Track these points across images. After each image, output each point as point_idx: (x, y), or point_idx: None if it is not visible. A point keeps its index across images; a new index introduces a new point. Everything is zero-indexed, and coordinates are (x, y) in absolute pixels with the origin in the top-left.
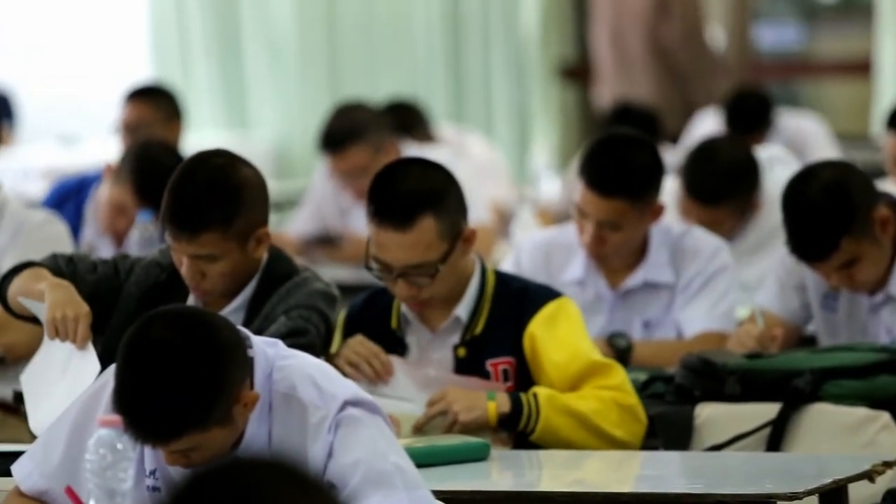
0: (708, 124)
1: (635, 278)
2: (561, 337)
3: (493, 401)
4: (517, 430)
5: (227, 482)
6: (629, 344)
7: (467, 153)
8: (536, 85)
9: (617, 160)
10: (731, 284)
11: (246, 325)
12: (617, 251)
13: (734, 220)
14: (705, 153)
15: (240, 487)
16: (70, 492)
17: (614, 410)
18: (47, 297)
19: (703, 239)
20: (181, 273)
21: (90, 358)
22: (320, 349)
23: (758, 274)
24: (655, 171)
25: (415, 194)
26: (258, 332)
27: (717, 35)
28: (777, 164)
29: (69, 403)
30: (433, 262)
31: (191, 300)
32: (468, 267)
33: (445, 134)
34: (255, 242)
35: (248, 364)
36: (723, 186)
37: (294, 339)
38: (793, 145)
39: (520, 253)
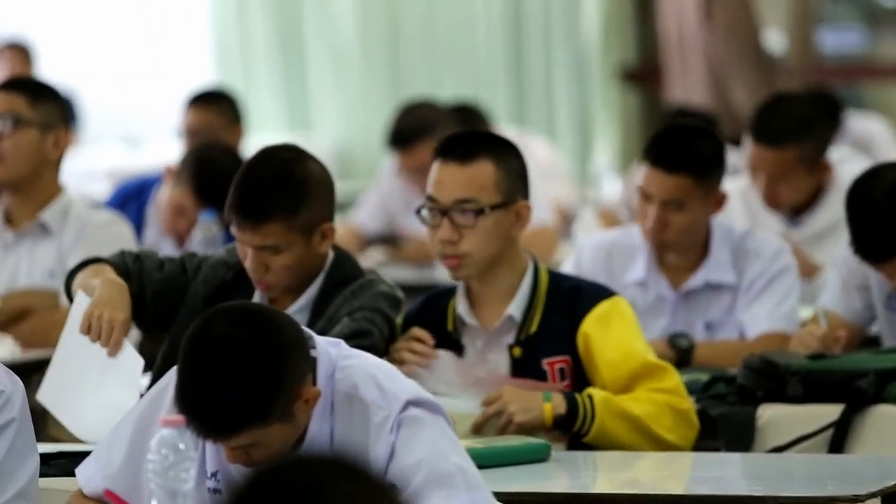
0: None
1: (697, 279)
2: (615, 336)
3: (549, 402)
4: (572, 431)
5: (289, 479)
6: (691, 344)
7: (529, 155)
8: (598, 88)
9: (682, 140)
10: (793, 285)
11: (310, 325)
12: (679, 238)
13: (801, 177)
14: (774, 99)
15: (302, 484)
16: (111, 495)
17: (667, 414)
18: (96, 292)
19: (765, 240)
20: (245, 266)
21: (129, 356)
22: (383, 351)
23: (822, 260)
24: (718, 156)
25: (482, 138)
26: (322, 333)
27: (772, 39)
28: (848, 163)
29: (116, 403)
30: (482, 203)
31: (256, 298)
32: (520, 263)
33: (508, 136)
34: (320, 237)
35: (311, 361)
36: (789, 126)
37: (357, 340)
38: (859, 147)
39: (581, 254)
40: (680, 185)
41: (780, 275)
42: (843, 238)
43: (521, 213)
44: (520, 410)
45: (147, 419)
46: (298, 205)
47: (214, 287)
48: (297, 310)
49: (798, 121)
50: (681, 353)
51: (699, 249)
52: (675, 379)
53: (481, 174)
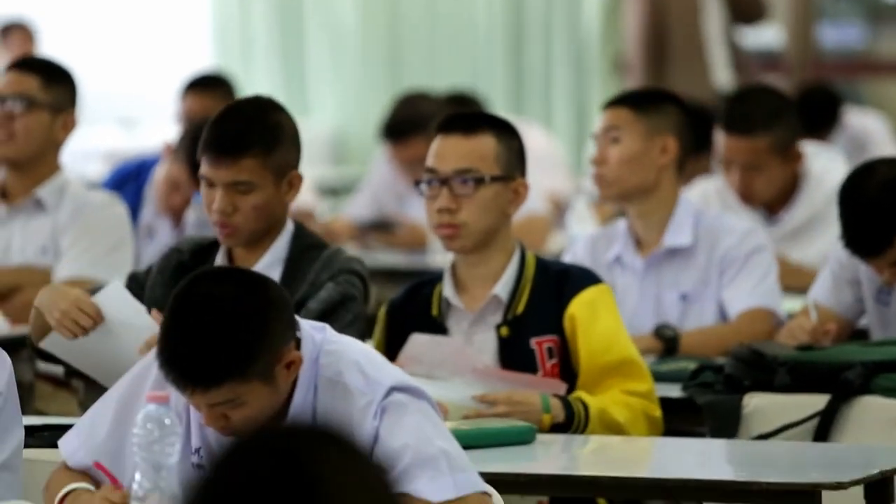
0: None
1: (660, 246)
2: (601, 324)
3: (548, 413)
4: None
5: (272, 447)
6: (676, 334)
7: (526, 143)
8: (596, 78)
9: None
10: (771, 263)
11: (283, 285)
12: (616, 173)
13: (774, 167)
14: (740, 93)
15: (285, 453)
16: (100, 467)
17: (642, 422)
18: (37, 308)
19: (737, 220)
20: (212, 211)
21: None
22: (365, 313)
23: (800, 257)
24: (671, 104)
25: (483, 116)
26: (305, 298)
27: (772, 34)
28: (820, 156)
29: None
30: (483, 172)
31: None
32: (509, 246)
33: None
34: (288, 185)
35: (294, 328)
36: (758, 114)
37: (346, 305)
38: (855, 143)
39: (574, 246)
40: (617, 115)
41: (756, 252)
42: (820, 234)
43: (518, 191)
44: (518, 415)
45: (132, 394)
46: (275, 143)
47: (171, 270)
48: (265, 267)
49: (767, 109)
50: (667, 343)
51: (666, 220)
52: (649, 383)
53: (483, 146)
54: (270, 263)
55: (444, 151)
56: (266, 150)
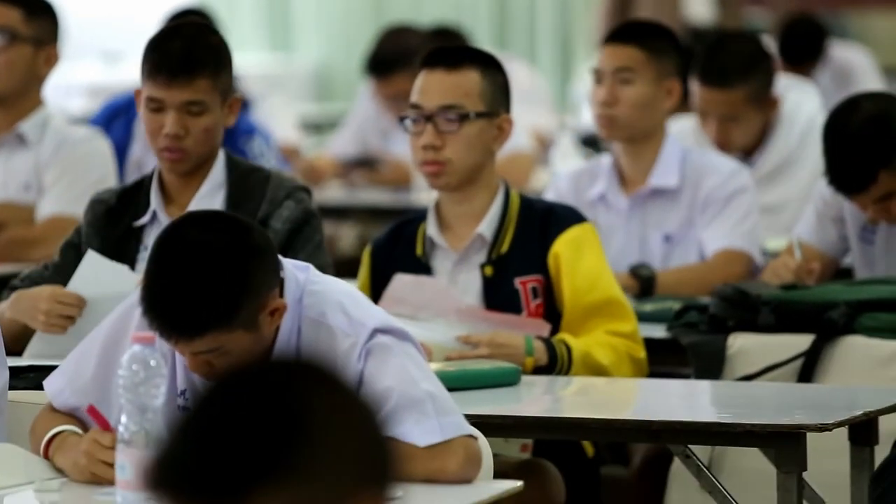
0: None
1: (645, 185)
2: (585, 263)
3: (531, 356)
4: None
5: (259, 382)
6: (652, 273)
7: (510, 79)
8: (580, 13)
9: (635, 24)
10: (752, 205)
11: (232, 207)
12: (629, 114)
13: (751, 117)
14: (715, 43)
15: (272, 387)
16: (93, 410)
17: (626, 364)
18: (12, 319)
19: (722, 160)
20: (161, 136)
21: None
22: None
23: (777, 198)
24: (672, 46)
25: (468, 50)
26: (267, 216)
27: None
28: (792, 90)
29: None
30: (467, 107)
31: (154, 203)
32: (493, 183)
33: None
34: (229, 108)
35: (278, 273)
36: (734, 65)
37: (311, 222)
38: (840, 76)
39: (557, 183)
40: (629, 55)
41: (739, 193)
42: (795, 175)
43: (502, 127)
44: (501, 358)
45: (117, 334)
46: (221, 64)
47: (102, 219)
48: (205, 194)
49: (743, 58)
50: (643, 283)
51: (653, 159)
52: (633, 324)
53: (467, 81)
54: (210, 190)
55: (429, 87)
56: (216, 71)
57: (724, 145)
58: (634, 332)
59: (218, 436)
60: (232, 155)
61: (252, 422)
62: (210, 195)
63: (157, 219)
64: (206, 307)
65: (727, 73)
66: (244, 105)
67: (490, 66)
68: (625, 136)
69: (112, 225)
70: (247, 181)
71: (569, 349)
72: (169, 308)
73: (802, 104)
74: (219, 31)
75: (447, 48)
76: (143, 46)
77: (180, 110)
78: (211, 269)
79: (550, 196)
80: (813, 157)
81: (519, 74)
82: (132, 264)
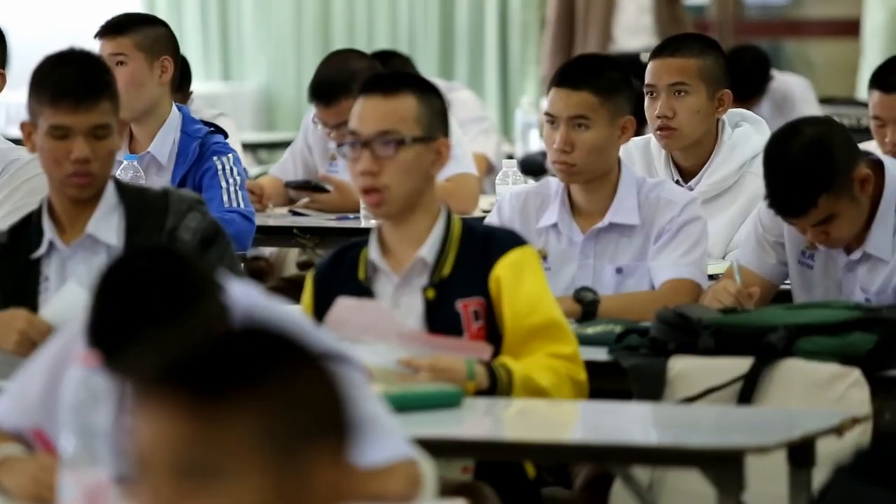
0: None
1: (603, 221)
2: (526, 287)
3: (472, 380)
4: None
5: (225, 353)
6: (595, 298)
7: (456, 107)
8: (522, 41)
9: (586, 63)
10: (702, 235)
11: (132, 227)
12: (587, 159)
13: (701, 94)
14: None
15: (238, 357)
16: (38, 434)
17: (567, 386)
18: None
19: (676, 191)
20: (69, 162)
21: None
22: None
23: (720, 224)
24: (624, 82)
25: (405, 76)
26: (174, 229)
27: None
28: (745, 122)
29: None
30: (403, 133)
31: (48, 235)
32: (434, 208)
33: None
34: (121, 127)
35: (224, 306)
36: (692, 40)
37: (221, 232)
38: (780, 104)
39: (501, 204)
40: (584, 101)
41: (689, 224)
42: (726, 207)
43: (440, 151)
44: (442, 381)
45: (64, 356)
46: (114, 86)
47: None
48: (101, 217)
49: (699, 39)
50: (586, 307)
51: (609, 193)
52: (574, 345)
53: (403, 107)
54: (105, 213)
55: (365, 113)
56: (113, 94)
57: (667, 133)
58: (575, 354)
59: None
60: (116, 178)
61: (240, 336)
62: (105, 217)
63: (54, 248)
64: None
65: (683, 43)
66: (221, 132)
67: (427, 91)
68: (583, 181)
69: (8, 262)
70: (142, 198)
71: (509, 373)
72: (112, 344)
73: (751, 137)
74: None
75: (384, 74)
76: (31, 77)
77: (87, 135)
78: (154, 305)
79: (493, 219)
80: (752, 187)
81: (465, 103)
82: (34, 297)
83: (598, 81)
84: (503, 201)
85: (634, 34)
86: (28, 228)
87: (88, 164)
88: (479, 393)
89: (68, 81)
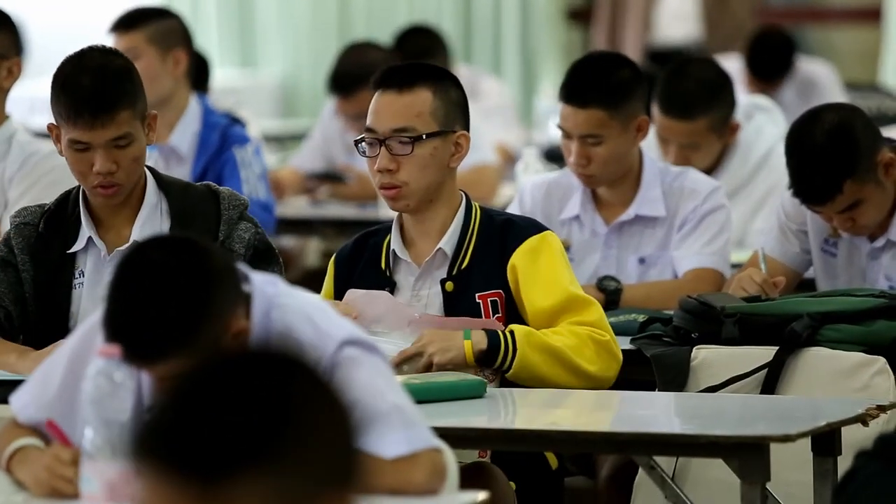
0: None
1: (628, 213)
2: (542, 270)
3: (468, 339)
4: (494, 368)
5: (250, 368)
6: (618, 287)
7: (479, 94)
8: (544, 27)
9: (591, 73)
10: (726, 224)
11: (181, 226)
12: (604, 170)
13: (712, 143)
14: (677, 70)
15: (263, 375)
16: (51, 425)
17: (589, 346)
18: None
19: (700, 179)
20: (91, 174)
21: None
22: None
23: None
24: (634, 83)
25: (421, 67)
26: (226, 240)
27: None
28: (758, 112)
29: None
30: (419, 131)
31: (85, 231)
32: (455, 199)
33: (461, 73)
34: (148, 128)
35: (241, 293)
36: (697, 98)
37: (271, 252)
38: (804, 90)
39: (523, 194)
40: (593, 118)
41: (713, 213)
42: (744, 201)
43: (459, 144)
44: (439, 351)
45: (83, 349)
46: (136, 92)
47: (31, 245)
48: (148, 215)
49: (706, 88)
50: (609, 296)
51: (632, 184)
52: (598, 312)
53: (418, 102)
54: (149, 214)
55: (380, 110)
56: (133, 99)
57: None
58: (599, 319)
59: (208, 415)
60: (154, 170)
61: (242, 405)
62: (149, 220)
63: (92, 244)
64: (166, 333)
65: (689, 104)
66: (239, 122)
67: (443, 83)
68: (605, 184)
69: (44, 251)
70: (186, 194)
71: (511, 332)
72: (129, 334)
73: (764, 129)
74: (120, 56)
75: (398, 67)
76: (52, 81)
77: (107, 147)
78: (171, 295)
79: (515, 208)
80: (763, 186)
81: (489, 89)
82: (67, 292)
83: (606, 93)
84: (524, 192)
85: (677, 21)
86: (62, 218)
87: (113, 175)
88: (486, 360)
89: (82, 97)
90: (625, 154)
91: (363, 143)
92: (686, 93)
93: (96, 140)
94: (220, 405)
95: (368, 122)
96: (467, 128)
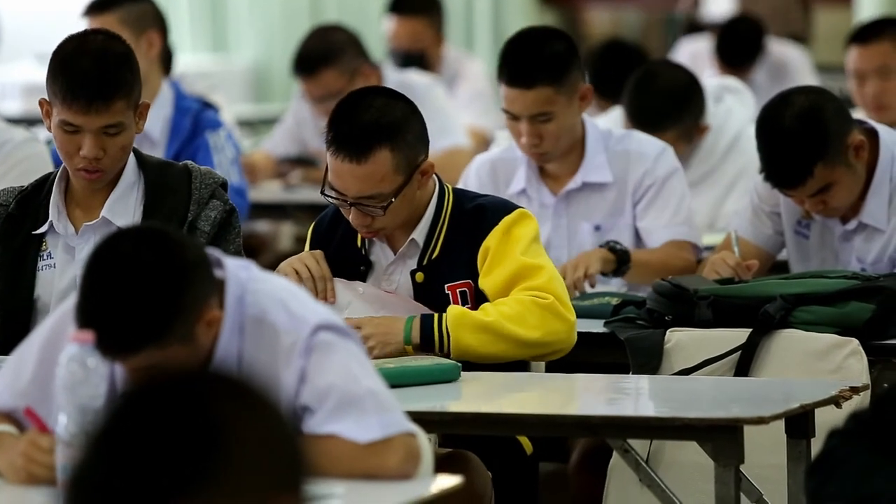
0: (692, 49)
1: (575, 181)
2: (507, 247)
3: (408, 333)
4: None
5: (171, 395)
6: (624, 248)
7: (464, 77)
8: (517, 9)
9: (530, 50)
10: (684, 186)
11: (150, 207)
12: (557, 144)
13: (682, 146)
14: (646, 78)
15: (182, 402)
16: (29, 412)
17: (533, 312)
18: None
19: (646, 141)
20: (77, 157)
21: None
22: None
23: (704, 204)
24: (570, 54)
25: (372, 127)
26: (195, 218)
27: None
28: (727, 94)
29: None
30: (386, 195)
31: (53, 214)
32: (426, 194)
33: (449, 54)
34: (139, 117)
35: (215, 283)
36: (666, 109)
37: (232, 222)
38: (776, 72)
39: (469, 174)
40: (540, 97)
41: (670, 177)
42: (713, 186)
43: (425, 171)
44: (378, 345)
45: (56, 336)
46: (132, 80)
47: (0, 225)
48: (121, 195)
49: (673, 100)
50: (619, 255)
51: (577, 152)
52: (545, 276)
53: (379, 168)
54: (124, 192)
55: (343, 174)
56: (129, 89)
57: None
58: (545, 283)
59: (132, 452)
60: (138, 152)
61: (166, 437)
62: (123, 198)
63: (62, 225)
64: (137, 326)
65: (658, 118)
66: (212, 107)
67: (398, 131)
68: (558, 158)
69: (12, 233)
70: (163, 175)
71: (442, 317)
72: (101, 328)
73: (734, 111)
74: (119, 40)
75: (352, 134)
76: (51, 57)
77: (97, 133)
78: (142, 286)
79: (473, 184)
80: (733, 168)
81: (475, 75)
82: (33, 272)
83: (549, 70)
84: (470, 172)
85: None
86: (37, 199)
87: (98, 161)
88: (426, 348)
89: (82, 81)
90: (573, 125)
91: (331, 197)
92: (654, 107)
93: (88, 125)
94: (147, 441)
95: (332, 180)
96: (427, 149)
